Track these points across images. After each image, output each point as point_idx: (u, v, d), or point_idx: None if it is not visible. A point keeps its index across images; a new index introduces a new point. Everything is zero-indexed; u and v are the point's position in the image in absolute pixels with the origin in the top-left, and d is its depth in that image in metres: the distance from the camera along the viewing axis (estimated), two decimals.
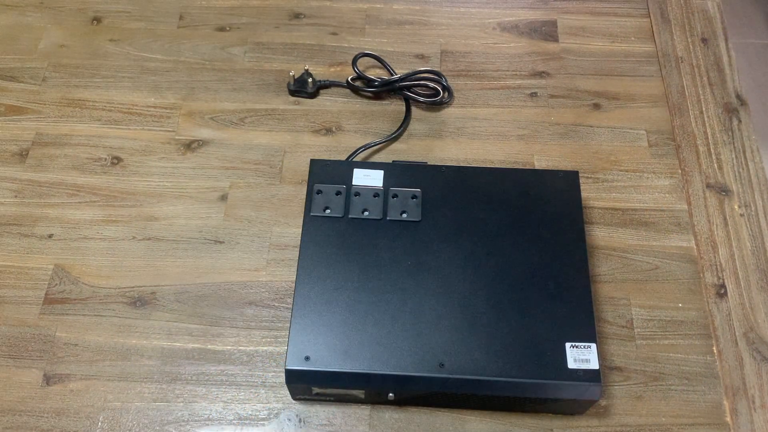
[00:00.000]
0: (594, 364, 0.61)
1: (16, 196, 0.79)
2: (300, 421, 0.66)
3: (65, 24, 0.94)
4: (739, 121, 0.86)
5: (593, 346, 0.62)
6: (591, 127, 0.85)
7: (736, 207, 0.79)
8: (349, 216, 0.69)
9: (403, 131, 0.84)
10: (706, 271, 0.75)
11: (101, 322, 0.71)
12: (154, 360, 0.69)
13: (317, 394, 0.64)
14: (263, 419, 0.66)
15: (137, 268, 0.74)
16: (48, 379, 0.68)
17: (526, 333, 0.63)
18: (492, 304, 0.64)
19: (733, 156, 0.83)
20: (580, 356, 0.61)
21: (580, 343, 0.62)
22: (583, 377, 0.60)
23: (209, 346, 0.70)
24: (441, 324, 0.63)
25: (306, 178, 0.73)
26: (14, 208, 0.78)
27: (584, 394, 0.61)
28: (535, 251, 0.67)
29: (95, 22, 0.94)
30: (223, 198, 0.79)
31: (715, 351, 0.70)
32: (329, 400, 0.66)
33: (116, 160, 0.82)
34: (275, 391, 0.67)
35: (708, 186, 0.81)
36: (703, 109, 0.87)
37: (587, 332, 0.63)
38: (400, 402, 0.66)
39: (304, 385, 0.62)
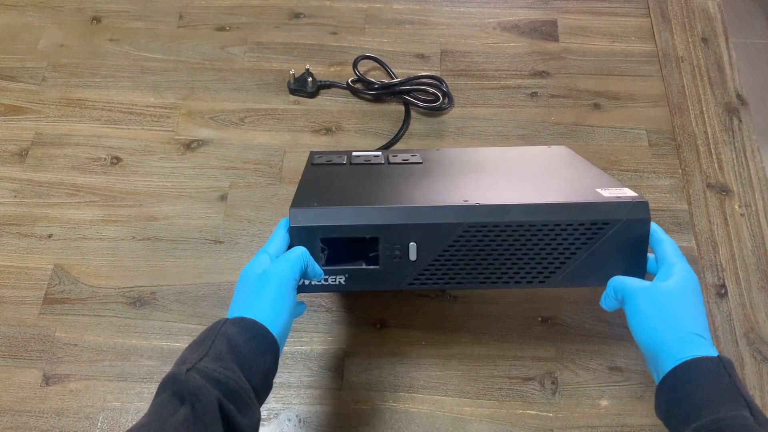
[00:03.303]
0: (631, 193, 0.55)
1: (15, 196, 0.79)
2: (300, 421, 0.66)
3: (65, 24, 0.93)
4: (740, 121, 0.85)
5: (625, 188, 0.56)
6: (591, 126, 0.85)
7: (736, 207, 0.79)
8: (352, 162, 0.69)
9: (402, 135, 0.84)
10: (707, 271, 0.75)
11: (101, 322, 0.71)
12: (153, 360, 0.69)
13: (327, 265, 0.56)
14: (263, 419, 0.66)
15: (137, 268, 0.74)
16: (47, 379, 0.68)
17: (553, 182, 0.60)
18: (514, 172, 0.63)
19: (734, 156, 0.83)
20: (614, 192, 0.56)
21: (611, 187, 0.57)
22: (624, 198, 0.54)
23: None
24: (461, 180, 0.60)
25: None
26: (14, 208, 0.78)
27: (631, 211, 0.53)
28: (544, 164, 0.67)
29: (95, 21, 0.94)
30: (223, 198, 0.79)
31: None
32: (338, 284, 0.56)
33: (116, 160, 0.82)
34: (275, 392, 0.67)
35: (708, 186, 0.81)
36: (704, 108, 0.87)
37: (614, 183, 0.58)
38: (422, 274, 0.56)
39: (312, 237, 0.54)
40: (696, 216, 0.78)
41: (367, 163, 0.68)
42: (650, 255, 0.56)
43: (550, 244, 0.54)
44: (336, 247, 0.55)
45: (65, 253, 0.75)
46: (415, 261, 0.55)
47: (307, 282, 0.56)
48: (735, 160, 0.82)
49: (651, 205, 0.79)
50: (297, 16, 0.94)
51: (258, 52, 0.91)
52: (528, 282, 0.56)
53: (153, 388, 0.67)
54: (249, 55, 0.90)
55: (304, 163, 0.80)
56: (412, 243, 0.54)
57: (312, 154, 0.73)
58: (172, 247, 0.76)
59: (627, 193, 0.55)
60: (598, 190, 0.56)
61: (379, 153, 0.72)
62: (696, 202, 0.79)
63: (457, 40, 0.92)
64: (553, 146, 0.75)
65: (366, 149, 0.77)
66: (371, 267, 0.55)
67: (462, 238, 0.54)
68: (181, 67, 0.89)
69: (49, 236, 0.76)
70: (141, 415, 0.66)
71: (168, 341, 0.70)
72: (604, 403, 0.67)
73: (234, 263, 0.74)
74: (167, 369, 0.68)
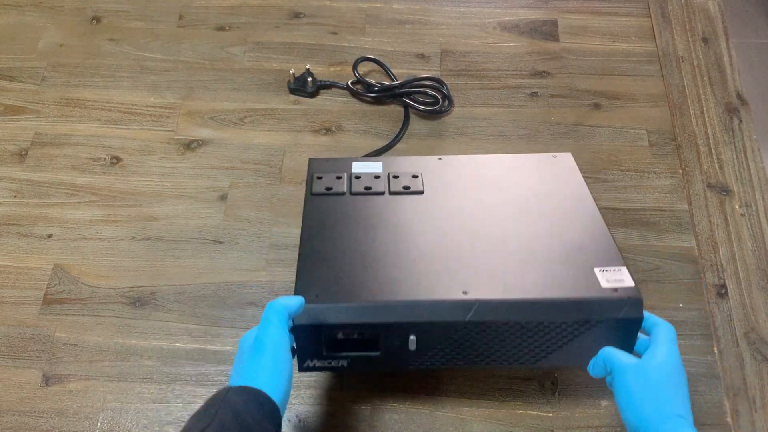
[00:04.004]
0: (629, 282, 0.56)
1: (15, 196, 0.79)
2: (300, 421, 0.66)
3: (64, 23, 0.93)
4: (740, 121, 0.85)
5: (623, 268, 0.58)
6: (591, 126, 0.85)
7: (737, 207, 0.79)
8: (352, 192, 0.67)
9: (401, 138, 0.83)
10: (707, 271, 0.75)
11: (100, 322, 0.71)
12: (153, 360, 0.69)
13: (328, 353, 0.57)
14: None
15: (137, 268, 0.74)
16: (47, 380, 0.68)
17: (552, 257, 0.59)
18: (515, 235, 0.61)
19: (734, 156, 0.83)
20: (613, 277, 0.57)
21: (609, 267, 0.58)
22: (621, 293, 0.55)
23: (209, 347, 0.69)
24: (462, 252, 0.59)
25: (306, 178, 0.73)
26: (13, 208, 0.78)
27: (625, 310, 0.55)
28: (546, 213, 0.65)
29: (94, 21, 0.94)
30: (223, 198, 0.79)
31: (715, 351, 0.70)
32: (340, 366, 0.58)
33: (116, 160, 0.82)
34: None
35: (709, 186, 0.81)
36: (704, 108, 0.87)
37: (613, 256, 0.59)
38: (420, 358, 0.58)
39: (313, 333, 0.55)
40: (696, 216, 0.78)
41: (368, 193, 0.67)
42: (641, 335, 0.58)
43: (544, 336, 0.57)
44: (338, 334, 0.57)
45: (65, 253, 0.75)
46: (414, 350, 0.56)
47: (311, 364, 0.58)
48: (735, 160, 0.82)
49: (651, 206, 0.79)
50: (297, 16, 0.94)
51: (258, 52, 0.91)
52: (520, 363, 0.58)
53: (153, 388, 0.67)
54: (249, 55, 0.90)
55: (304, 163, 0.79)
56: (411, 336, 0.56)
57: (311, 164, 0.72)
58: (172, 247, 0.75)
59: (625, 281, 0.56)
60: (596, 272, 0.57)
61: (380, 166, 0.70)
62: (696, 202, 0.79)
63: (457, 40, 0.92)
64: (558, 155, 0.73)
65: (366, 159, 0.74)
66: (372, 353, 0.57)
67: (460, 332, 0.56)
68: (180, 67, 0.89)
69: (49, 236, 0.76)
70: (140, 415, 0.66)
71: (168, 341, 0.70)
72: (604, 403, 0.67)
73: (234, 263, 0.74)
74: (167, 369, 0.68)
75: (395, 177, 0.69)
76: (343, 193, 0.67)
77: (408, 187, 0.68)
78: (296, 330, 0.55)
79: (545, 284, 0.56)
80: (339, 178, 0.69)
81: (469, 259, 0.58)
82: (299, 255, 0.60)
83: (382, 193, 0.67)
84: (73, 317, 0.71)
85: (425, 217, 0.64)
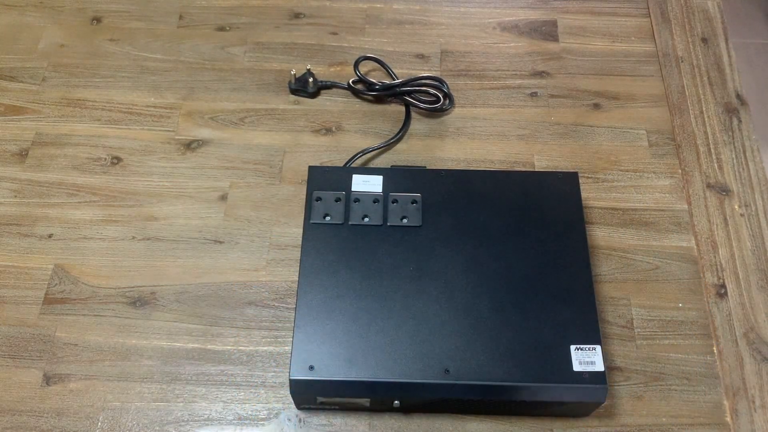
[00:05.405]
0: (599, 366, 0.61)
1: (15, 196, 0.79)
2: (300, 421, 0.66)
3: (65, 24, 0.94)
4: (740, 121, 0.86)
5: (598, 348, 0.62)
6: (591, 126, 0.85)
7: (736, 207, 0.79)
8: (350, 223, 0.69)
9: (402, 136, 0.84)
10: (707, 271, 0.75)
11: (101, 322, 0.71)
12: (153, 360, 0.69)
13: (322, 403, 0.64)
14: (263, 419, 0.66)
15: (137, 268, 0.74)
16: (48, 379, 0.68)
17: (530, 336, 0.63)
18: (496, 308, 0.64)
19: (734, 156, 0.83)
20: (585, 358, 0.61)
21: (585, 345, 0.62)
22: (589, 380, 0.60)
23: (209, 346, 0.70)
24: (445, 329, 0.63)
25: (305, 178, 0.73)
26: (14, 208, 0.78)
27: (589, 396, 0.61)
28: (537, 254, 0.67)
29: (95, 21, 0.94)
30: (223, 198, 0.79)
31: (715, 351, 0.70)
32: (334, 409, 0.66)
33: (116, 160, 0.82)
34: (275, 391, 0.67)
35: (708, 186, 0.81)
36: (704, 108, 0.87)
37: (592, 334, 0.63)
38: (406, 409, 0.65)
39: (309, 394, 0.62)
40: (696, 216, 0.78)
41: (366, 224, 0.69)
42: None
43: (517, 405, 0.64)
44: None
45: (65, 253, 0.75)
46: (399, 407, 0.64)
47: (305, 406, 0.66)
48: (735, 160, 0.82)
49: (651, 206, 0.79)
50: (297, 16, 0.94)
51: (258, 52, 0.91)
52: (495, 414, 0.66)
53: (153, 387, 0.68)
54: (249, 55, 0.91)
55: (304, 163, 0.80)
56: (396, 401, 0.63)
57: (310, 175, 0.72)
58: (173, 247, 0.76)
59: (596, 365, 0.61)
60: (572, 350, 0.62)
61: (380, 182, 0.71)
62: (696, 202, 0.79)
63: (457, 40, 0.92)
64: (562, 175, 0.72)
65: (367, 173, 0.73)
66: (362, 400, 0.63)
67: (441, 401, 0.63)
68: (181, 67, 0.89)
69: (50, 236, 0.76)
70: (141, 414, 0.66)
71: (168, 341, 0.70)
72: (604, 403, 0.67)
73: (234, 263, 0.74)
74: (167, 369, 0.69)
75: (394, 202, 0.70)
76: (341, 224, 0.69)
77: (405, 217, 0.69)
78: (294, 388, 0.61)
79: (522, 368, 0.61)
80: (338, 200, 0.70)
81: (452, 337, 0.63)
82: (297, 311, 0.64)
83: (380, 226, 0.69)
84: (73, 317, 0.71)
85: (417, 267, 0.66)
